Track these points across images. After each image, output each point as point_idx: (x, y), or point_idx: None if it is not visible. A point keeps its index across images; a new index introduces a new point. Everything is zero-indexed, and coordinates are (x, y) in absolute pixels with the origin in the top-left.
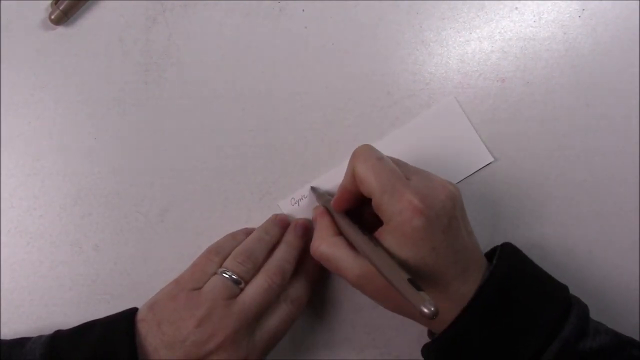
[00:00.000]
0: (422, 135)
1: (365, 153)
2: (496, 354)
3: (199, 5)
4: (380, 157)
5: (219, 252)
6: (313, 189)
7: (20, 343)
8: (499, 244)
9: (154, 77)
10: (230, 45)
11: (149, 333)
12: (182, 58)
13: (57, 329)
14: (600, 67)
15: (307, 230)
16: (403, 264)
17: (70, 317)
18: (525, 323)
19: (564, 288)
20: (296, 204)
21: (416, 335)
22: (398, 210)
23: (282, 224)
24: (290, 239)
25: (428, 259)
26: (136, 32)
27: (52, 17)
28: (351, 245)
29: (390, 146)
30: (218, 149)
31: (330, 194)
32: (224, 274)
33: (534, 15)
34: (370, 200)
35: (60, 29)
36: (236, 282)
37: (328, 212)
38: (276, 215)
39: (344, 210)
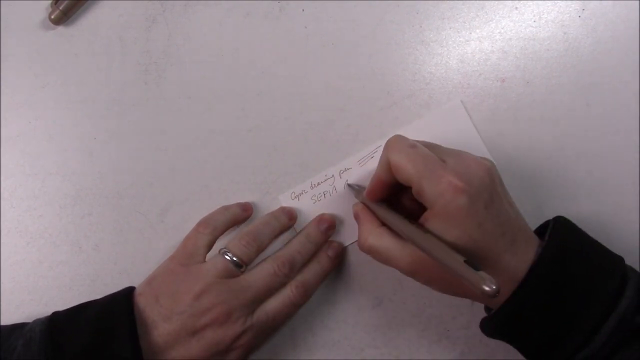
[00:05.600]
0: (425, 135)
1: (398, 142)
2: (554, 329)
3: (199, 5)
4: (413, 145)
5: (210, 224)
6: (350, 186)
7: (20, 326)
8: (551, 217)
9: (154, 77)
10: (230, 45)
11: (147, 306)
12: (182, 58)
13: None
14: (600, 67)
15: (331, 227)
16: (452, 245)
17: None
18: (581, 299)
19: (619, 260)
20: (296, 198)
21: (416, 336)
22: (439, 193)
23: (290, 215)
24: (311, 232)
25: (475, 235)
26: (136, 32)
27: (52, 17)
28: (397, 234)
29: None
30: (218, 149)
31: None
32: (226, 255)
33: (534, 15)
34: (405, 188)
35: (60, 29)
36: (237, 266)
37: (367, 206)
38: (284, 207)
39: (377, 200)
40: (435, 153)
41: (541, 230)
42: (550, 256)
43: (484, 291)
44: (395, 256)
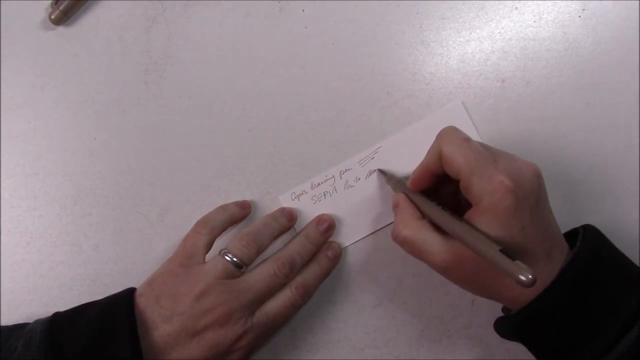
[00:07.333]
0: (426, 135)
1: (452, 134)
2: (574, 334)
3: (199, 5)
4: (467, 139)
5: (208, 224)
6: (381, 171)
7: (21, 327)
8: (580, 225)
9: (154, 77)
10: (230, 46)
11: (147, 307)
12: (182, 58)
13: None
14: (600, 67)
15: (330, 227)
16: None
17: None
18: (607, 306)
19: None
20: (297, 198)
21: (416, 336)
22: (489, 191)
23: (290, 216)
24: (310, 232)
25: (518, 238)
26: (136, 32)
27: (52, 17)
28: (437, 229)
29: (393, 146)
30: (218, 149)
31: (396, 175)
32: (226, 256)
33: (534, 15)
34: (446, 182)
35: (60, 29)
36: (237, 267)
37: (408, 197)
38: (284, 208)
39: (419, 189)
40: (488, 152)
41: (566, 237)
42: (581, 262)
43: (519, 280)
44: (433, 251)
